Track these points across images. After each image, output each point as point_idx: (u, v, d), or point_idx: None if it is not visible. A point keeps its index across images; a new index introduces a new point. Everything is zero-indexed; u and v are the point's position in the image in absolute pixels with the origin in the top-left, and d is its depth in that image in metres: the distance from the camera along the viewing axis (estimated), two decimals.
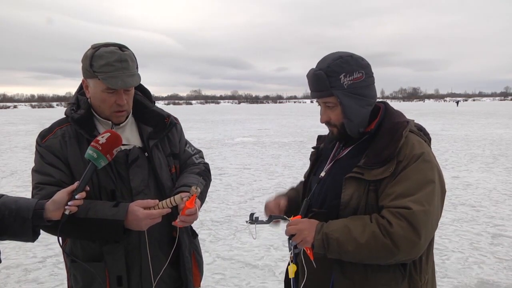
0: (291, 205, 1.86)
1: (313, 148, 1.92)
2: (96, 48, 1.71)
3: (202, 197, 1.88)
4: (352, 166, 1.60)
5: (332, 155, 1.77)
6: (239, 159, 12.19)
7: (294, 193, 1.95)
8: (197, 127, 25.39)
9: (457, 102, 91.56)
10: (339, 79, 1.58)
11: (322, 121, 1.70)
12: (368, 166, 1.55)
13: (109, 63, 1.67)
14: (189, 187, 1.70)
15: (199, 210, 1.72)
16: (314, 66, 1.65)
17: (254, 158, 12.46)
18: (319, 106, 1.71)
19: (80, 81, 1.83)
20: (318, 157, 1.87)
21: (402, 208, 1.46)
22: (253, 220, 1.70)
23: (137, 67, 1.79)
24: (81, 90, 1.88)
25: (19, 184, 9.04)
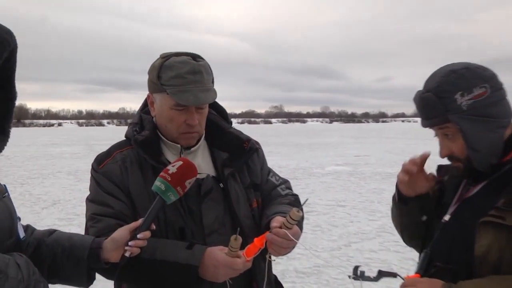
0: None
1: None
2: (165, 57, 1.80)
3: (300, 228, 1.84)
4: (487, 208, 1.53)
5: (458, 194, 1.72)
6: (331, 194, 12.11)
7: None
8: (277, 152, 25.61)
9: None
10: (455, 100, 1.56)
11: (442, 156, 1.68)
12: (510, 207, 1.48)
13: (180, 75, 1.74)
14: (285, 213, 1.70)
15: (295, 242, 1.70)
16: (426, 77, 1.65)
17: (350, 192, 12.31)
18: (436, 136, 1.68)
19: (143, 96, 1.93)
20: (440, 194, 1.82)
21: None
22: (357, 275, 1.69)
23: (212, 81, 1.85)
24: (145, 107, 1.98)
25: (62, 217, 9.29)
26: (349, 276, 1.71)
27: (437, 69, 1.66)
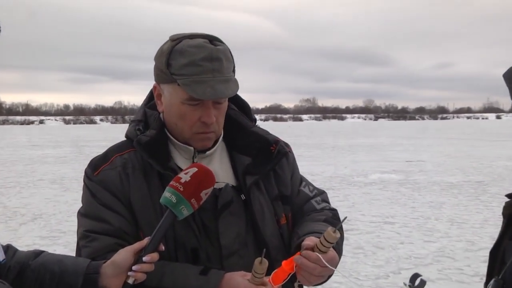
0: None
1: (507, 196, 1.86)
2: (176, 40, 1.81)
3: (338, 252, 1.82)
4: None
5: None
6: (376, 208, 12.08)
7: None
8: (309, 156, 25.54)
9: None
10: None
11: None
12: None
13: (194, 62, 1.75)
14: (320, 233, 1.68)
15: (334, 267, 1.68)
16: (499, 63, 1.62)
17: (400, 206, 12.26)
18: None
19: (144, 87, 1.95)
20: None
21: None
22: (414, 285, 1.68)
23: (233, 70, 1.87)
24: (150, 101, 2.01)
25: (44, 235, 9.32)
26: (404, 284, 1.70)
27: None
